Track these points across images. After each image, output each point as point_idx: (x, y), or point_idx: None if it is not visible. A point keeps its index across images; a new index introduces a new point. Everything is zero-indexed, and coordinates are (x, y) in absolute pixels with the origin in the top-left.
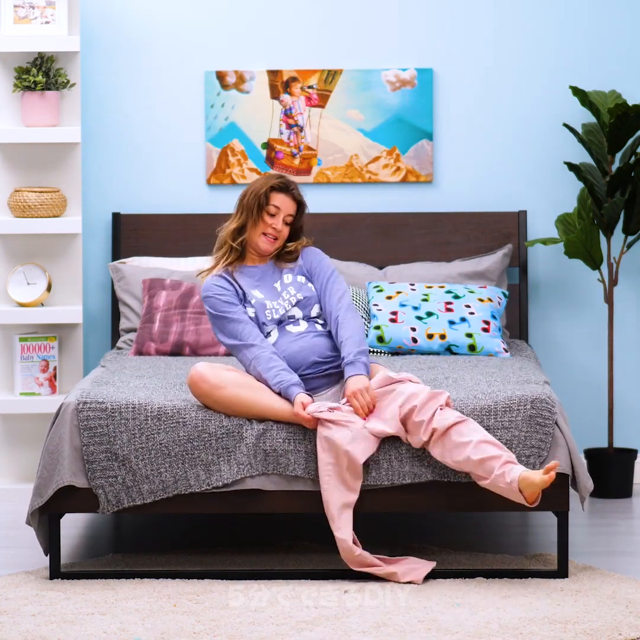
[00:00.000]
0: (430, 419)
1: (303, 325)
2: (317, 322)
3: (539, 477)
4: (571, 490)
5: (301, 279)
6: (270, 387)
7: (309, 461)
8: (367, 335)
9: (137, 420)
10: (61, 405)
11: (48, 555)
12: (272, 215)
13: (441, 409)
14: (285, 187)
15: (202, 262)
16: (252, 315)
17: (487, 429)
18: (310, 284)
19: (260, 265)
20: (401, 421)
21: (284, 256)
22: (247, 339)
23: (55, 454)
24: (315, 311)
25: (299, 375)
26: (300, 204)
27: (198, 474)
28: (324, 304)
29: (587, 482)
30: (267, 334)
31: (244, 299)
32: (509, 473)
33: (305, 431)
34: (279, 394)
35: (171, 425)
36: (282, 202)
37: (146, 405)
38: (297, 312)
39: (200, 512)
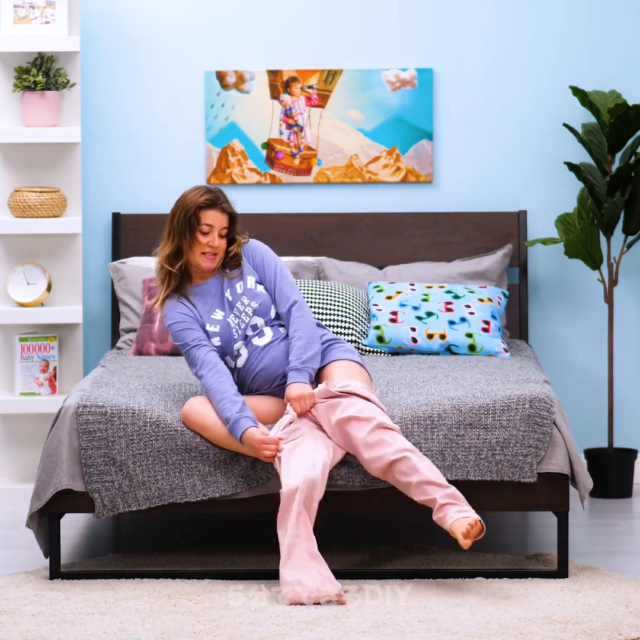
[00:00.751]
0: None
1: (268, 334)
2: (280, 325)
3: (459, 539)
4: (571, 490)
5: (251, 282)
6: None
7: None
8: (366, 335)
9: (136, 425)
10: (61, 408)
11: (48, 558)
12: (206, 234)
13: (385, 428)
14: (214, 203)
15: None
16: (218, 344)
17: (484, 428)
18: (260, 287)
19: (209, 280)
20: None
21: (228, 264)
22: (198, 367)
23: (54, 457)
24: (273, 312)
25: (277, 385)
26: (231, 216)
27: (194, 483)
28: (276, 305)
29: (586, 481)
30: (237, 355)
31: (203, 328)
32: (444, 520)
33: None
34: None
35: (169, 433)
36: (213, 219)
37: (146, 411)
38: (259, 320)
39: (198, 512)
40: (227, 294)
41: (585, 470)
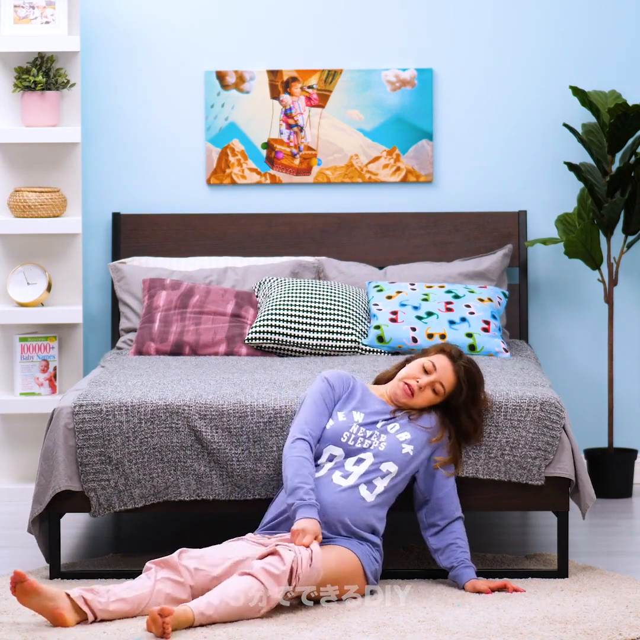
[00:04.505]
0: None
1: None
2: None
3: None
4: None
5: (404, 436)
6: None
7: None
8: (367, 335)
9: (131, 423)
10: (54, 410)
11: (49, 563)
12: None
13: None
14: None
15: (202, 262)
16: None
17: (496, 427)
18: (408, 448)
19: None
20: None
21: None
22: (294, 431)
23: (50, 460)
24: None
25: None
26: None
27: (189, 482)
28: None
29: (590, 491)
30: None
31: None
32: None
33: None
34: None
35: (164, 430)
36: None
37: (139, 407)
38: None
39: (191, 511)
40: (381, 418)
41: (589, 480)
